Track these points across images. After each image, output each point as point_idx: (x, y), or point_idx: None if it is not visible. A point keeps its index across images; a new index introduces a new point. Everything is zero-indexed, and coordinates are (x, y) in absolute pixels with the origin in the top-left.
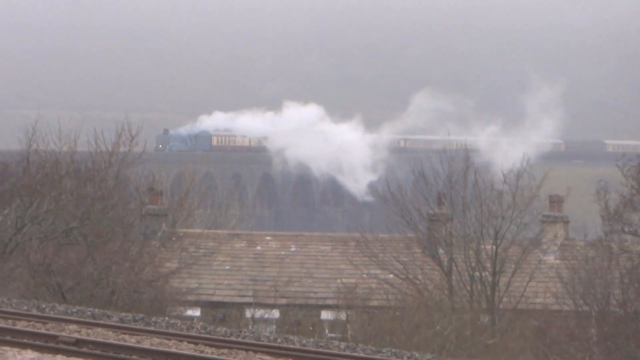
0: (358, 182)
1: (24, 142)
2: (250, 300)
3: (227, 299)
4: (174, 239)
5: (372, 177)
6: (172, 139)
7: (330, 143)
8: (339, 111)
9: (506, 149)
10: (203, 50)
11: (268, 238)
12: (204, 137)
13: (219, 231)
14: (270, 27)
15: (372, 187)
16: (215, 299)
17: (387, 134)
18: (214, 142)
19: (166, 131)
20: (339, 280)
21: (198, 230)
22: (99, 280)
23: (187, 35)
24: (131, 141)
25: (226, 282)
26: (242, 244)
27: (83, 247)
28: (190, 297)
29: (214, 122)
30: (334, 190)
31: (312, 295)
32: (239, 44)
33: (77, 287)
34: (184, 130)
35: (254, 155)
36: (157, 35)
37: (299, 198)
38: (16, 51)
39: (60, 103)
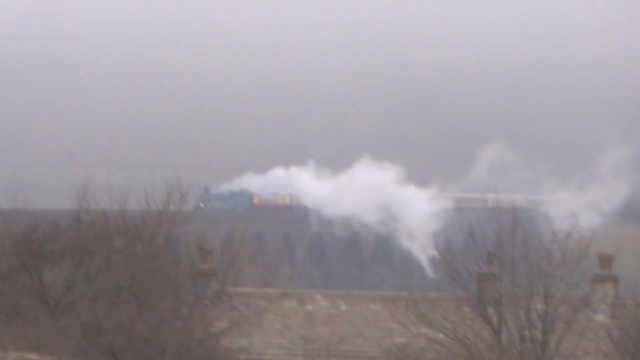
0: (410, 239)
1: (75, 201)
2: (300, 359)
3: (277, 359)
4: (224, 298)
5: (424, 235)
6: (213, 198)
7: (382, 200)
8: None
9: (565, 206)
10: (251, 108)
11: (318, 297)
12: (244, 196)
13: (269, 290)
14: (322, 86)
15: (422, 246)
16: (266, 358)
17: (441, 190)
18: (255, 201)
19: (207, 190)
20: (389, 340)
21: (248, 289)
22: (150, 339)
23: (235, 93)
24: (181, 200)
25: (277, 341)
26: (293, 303)
27: (134, 306)
28: (241, 357)
29: (267, 179)
30: (384, 249)
31: (362, 354)
32: (289, 102)
33: (128, 347)
34: (224, 188)
35: (298, 213)
36: (205, 93)
37: (348, 256)
38: (67, 110)
39: (111, 162)
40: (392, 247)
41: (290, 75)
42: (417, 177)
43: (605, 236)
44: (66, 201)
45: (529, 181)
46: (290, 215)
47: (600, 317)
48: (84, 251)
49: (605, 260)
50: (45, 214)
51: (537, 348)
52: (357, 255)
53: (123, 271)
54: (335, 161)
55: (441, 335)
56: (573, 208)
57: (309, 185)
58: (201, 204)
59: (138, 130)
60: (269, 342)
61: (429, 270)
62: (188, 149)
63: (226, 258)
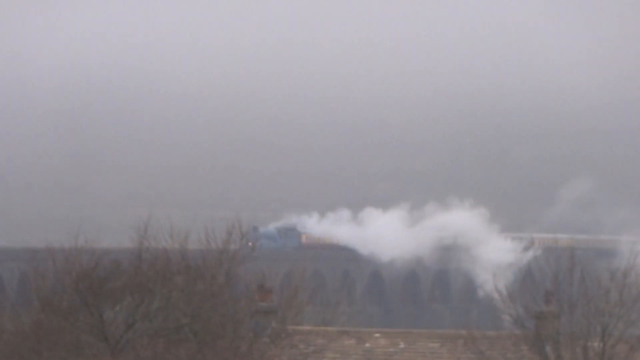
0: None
1: (136, 239)
2: None
3: None
4: (283, 336)
5: (487, 274)
6: (262, 236)
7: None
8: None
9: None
10: (312, 147)
11: (377, 335)
12: (293, 235)
13: (328, 328)
14: (383, 128)
15: (481, 284)
16: None
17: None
18: (303, 240)
19: (255, 228)
20: None
21: (307, 328)
22: None
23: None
24: (241, 239)
25: None
26: (351, 341)
27: (193, 344)
28: None
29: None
30: (442, 287)
31: None
32: (349, 142)
33: None
34: (272, 227)
35: (351, 252)
36: (263, 130)
37: (407, 295)
38: (125, 149)
39: (171, 201)
40: (448, 285)
41: (350, 114)
42: (489, 216)
43: None
44: (127, 240)
45: (613, 219)
46: (343, 254)
47: None
48: (145, 289)
49: None
50: (107, 252)
51: None
52: (415, 294)
53: (183, 309)
54: (397, 202)
55: None
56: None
57: (377, 226)
58: (250, 243)
59: (199, 170)
60: None
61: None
62: (250, 188)
63: (285, 296)
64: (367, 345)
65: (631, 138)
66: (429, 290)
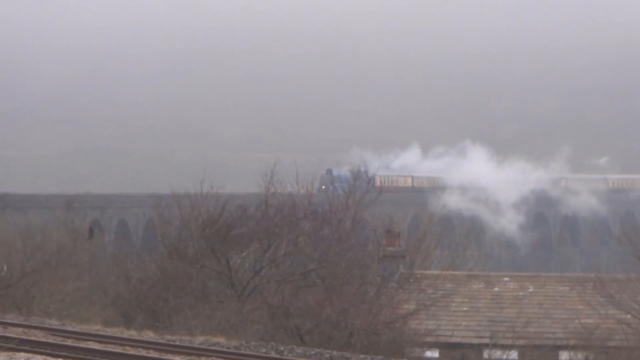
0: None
1: (262, 185)
2: (487, 341)
3: (465, 340)
4: (411, 280)
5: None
6: (336, 180)
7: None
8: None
9: None
10: (439, 87)
11: (506, 279)
12: (369, 178)
13: (456, 272)
14: (507, 68)
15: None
16: (453, 340)
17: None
18: (377, 183)
19: (329, 171)
20: (576, 321)
21: (436, 272)
22: (337, 322)
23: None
24: (368, 183)
25: (464, 323)
26: (480, 285)
27: (321, 290)
28: (429, 339)
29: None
30: (571, 230)
31: (550, 336)
32: (475, 86)
33: (315, 330)
34: (346, 170)
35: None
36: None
37: (535, 238)
38: (253, 96)
39: (297, 146)
40: (577, 228)
41: (474, 58)
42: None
43: None
44: (253, 185)
45: None
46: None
47: None
48: (271, 235)
49: None
50: (232, 197)
51: None
52: (543, 237)
53: (310, 255)
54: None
55: (629, 317)
56: None
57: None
58: (323, 186)
59: (323, 114)
60: (457, 324)
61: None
62: (376, 130)
63: (413, 240)
64: (496, 289)
65: None
66: (559, 233)
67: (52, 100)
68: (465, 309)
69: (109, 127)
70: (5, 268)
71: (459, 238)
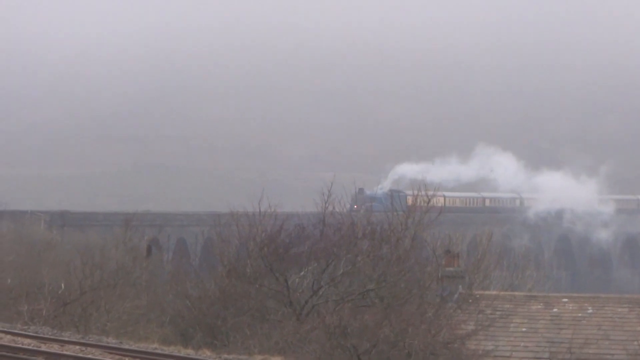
0: None
1: (320, 204)
2: None
3: None
4: (470, 301)
5: None
6: (368, 199)
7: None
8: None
9: None
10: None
11: (565, 300)
12: (399, 197)
13: (515, 293)
14: (567, 86)
15: None
16: None
17: None
18: (409, 202)
19: (361, 190)
20: (636, 343)
21: (494, 292)
22: (395, 342)
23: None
24: (427, 202)
25: (522, 344)
26: (539, 306)
27: (379, 310)
28: None
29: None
30: (631, 252)
31: (608, 357)
32: (533, 106)
33: (372, 350)
34: (379, 189)
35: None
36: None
37: (595, 259)
38: (314, 114)
39: (355, 165)
40: (638, 250)
41: (532, 77)
42: None
43: None
44: (311, 204)
45: None
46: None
47: None
48: (330, 254)
49: None
50: (291, 216)
51: None
52: (603, 258)
53: (369, 274)
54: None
55: None
56: None
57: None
58: (355, 206)
59: (382, 134)
60: (515, 345)
61: None
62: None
63: (473, 260)
64: (555, 310)
65: None
66: (618, 255)
67: (111, 118)
68: (523, 329)
69: (168, 144)
70: (63, 286)
71: (518, 258)
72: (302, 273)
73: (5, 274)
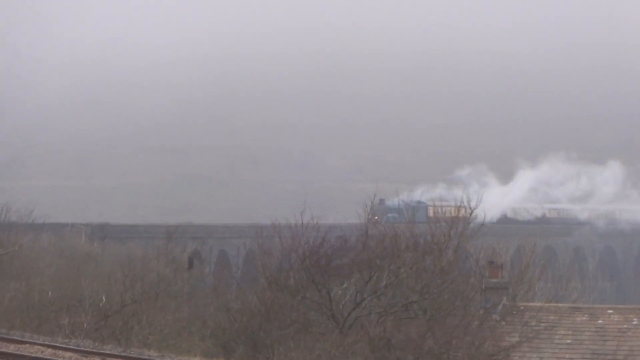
0: None
1: (362, 215)
2: None
3: None
4: (514, 312)
5: None
6: (389, 210)
7: None
8: None
9: None
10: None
11: (610, 311)
12: (421, 208)
13: (559, 305)
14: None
15: None
16: None
17: None
18: (430, 213)
19: (382, 201)
20: None
21: (539, 304)
22: (440, 354)
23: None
24: (470, 214)
25: (567, 356)
26: (584, 318)
27: (423, 322)
28: None
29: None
30: None
31: None
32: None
33: None
34: (399, 200)
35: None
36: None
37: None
38: (356, 124)
39: (398, 176)
40: None
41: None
42: None
43: None
44: (353, 216)
45: None
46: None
47: None
48: (372, 266)
49: None
50: (333, 228)
51: None
52: None
53: (412, 286)
54: None
55: None
56: None
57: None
58: (376, 217)
59: (428, 143)
60: (560, 357)
61: None
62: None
63: (516, 272)
64: (600, 321)
65: None
66: None
67: (152, 128)
68: (568, 341)
69: (209, 155)
70: (104, 298)
71: (563, 269)
72: (344, 285)
73: (46, 287)
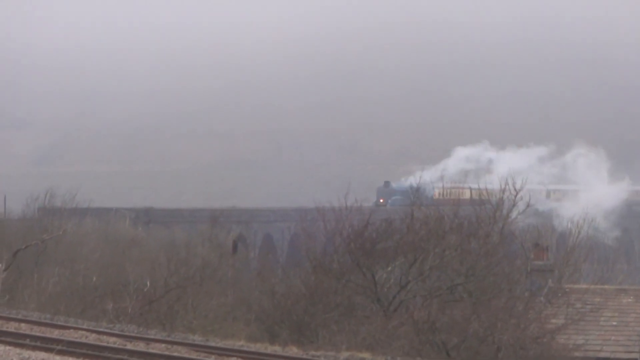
0: None
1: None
2: (637, 356)
3: (614, 355)
4: (560, 294)
5: None
6: (394, 192)
7: None
8: None
9: None
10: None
11: None
12: (426, 190)
13: (605, 286)
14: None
15: None
16: (602, 355)
17: None
18: (435, 195)
19: (387, 184)
20: None
21: (584, 286)
22: (485, 337)
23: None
24: (515, 196)
25: (613, 338)
26: (630, 299)
27: (468, 304)
28: (577, 354)
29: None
30: None
31: None
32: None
33: (461, 345)
34: (404, 182)
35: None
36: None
37: None
38: (402, 109)
39: (440, 159)
40: None
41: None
42: None
43: None
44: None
45: None
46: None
47: None
48: (417, 249)
49: None
50: (377, 211)
51: None
52: None
53: (457, 269)
54: None
55: None
56: None
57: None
58: (382, 199)
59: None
60: (606, 338)
61: None
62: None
63: (562, 254)
64: None
65: None
66: None
67: (195, 113)
68: (614, 323)
69: (253, 139)
70: (148, 283)
71: (609, 251)
72: (389, 268)
73: (90, 272)
